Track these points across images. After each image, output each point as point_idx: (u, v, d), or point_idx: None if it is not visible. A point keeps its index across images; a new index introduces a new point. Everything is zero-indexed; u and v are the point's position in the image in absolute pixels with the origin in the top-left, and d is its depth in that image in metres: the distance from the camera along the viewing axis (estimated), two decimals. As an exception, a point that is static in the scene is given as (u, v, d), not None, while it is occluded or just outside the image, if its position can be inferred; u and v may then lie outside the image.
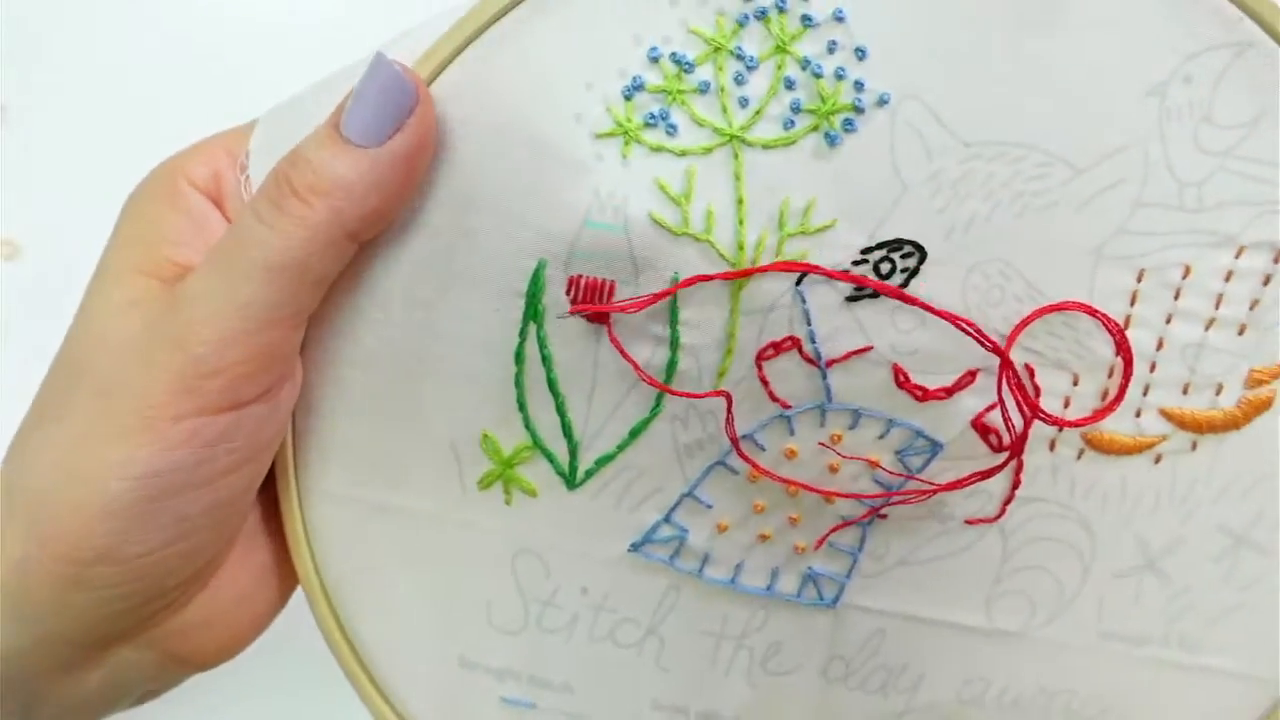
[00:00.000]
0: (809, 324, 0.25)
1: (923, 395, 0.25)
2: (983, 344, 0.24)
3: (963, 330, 0.24)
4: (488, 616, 0.28)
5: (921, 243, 0.24)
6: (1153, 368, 0.25)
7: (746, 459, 0.25)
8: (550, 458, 0.26)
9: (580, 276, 0.24)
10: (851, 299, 0.24)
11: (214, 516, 0.24)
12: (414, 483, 0.27)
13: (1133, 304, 0.25)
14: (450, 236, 0.24)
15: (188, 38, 0.46)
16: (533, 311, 0.25)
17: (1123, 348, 0.23)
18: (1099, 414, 0.24)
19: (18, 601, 0.23)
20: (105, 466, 0.22)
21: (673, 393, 0.24)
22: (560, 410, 0.26)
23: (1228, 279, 0.24)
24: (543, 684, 0.28)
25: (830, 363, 0.25)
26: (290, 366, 0.25)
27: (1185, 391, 0.25)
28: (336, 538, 0.27)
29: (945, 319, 0.24)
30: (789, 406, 0.25)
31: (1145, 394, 0.25)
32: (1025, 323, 0.24)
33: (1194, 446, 0.26)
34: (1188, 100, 0.23)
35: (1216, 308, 0.25)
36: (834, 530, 0.26)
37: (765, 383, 0.25)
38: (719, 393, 0.25)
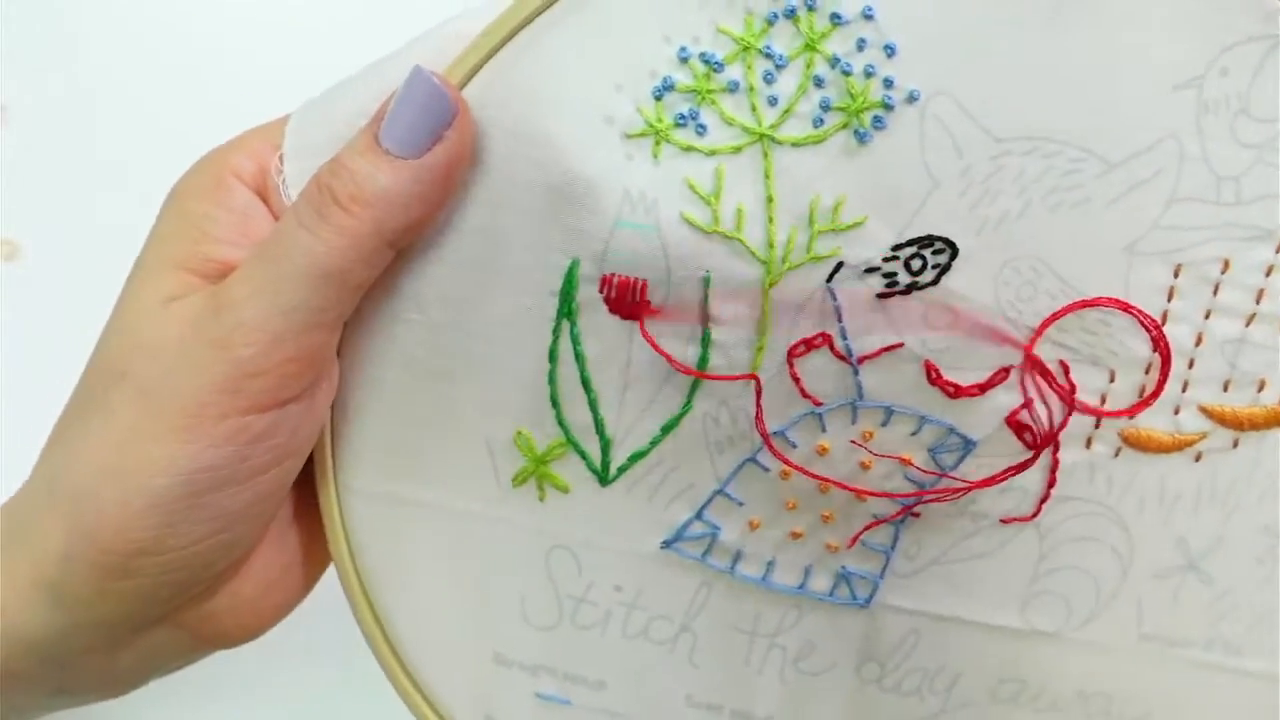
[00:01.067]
0: (840, 320, 0.25)
1: (955, 392, 0.25)
2: (1006, 339, 0.24)
3: (992, 330, 0.24)
4: (522, 612, 0.28)
5: (953, 239, 0.24)
6: (1191, 364, 0.25)
7: (778, 455, 0.25)
8: (583, 455, 0.26)
9: (614, 275, 0.25)
10: (882, 295, 0.24)
11: (253, 510, 0.25)
12: (448, 480, 0.27)
13: (1170, 299, 0.24)
14: (485, 238, 0.25)
15: (188, 38, 0.46)
16: (566, 309, 0.25)
17: (1160, 342, 0.23)
18: (1138, 406, 0.24)
19: (58, 590, 0.23)
20: (151, 463, 0.23)
21: (705, 376, 0.25)
22: (593, 407, 0.26)
23: (1268, 274, 0.24)
24: (577, 680, 0.28)
25: (861, 359, 0.25)
26: (328, 366, 0.25)
27: (1226, 388, 0.25)
28: (372, 534, 0.28)
29: (969, 321, 0.24)
30: (820, 403, 0.25)
31: (1184, 390, 0.25)
32: (1056, 316, 0.24)
33: (1235, 444, 0.25)
34: (1224, 93, 0.23)
35: (1257, 303, 0.24)
36: (867, 529, 0.26)
37: (797, 379, 0.25)
38: (749, 376, 0.25)
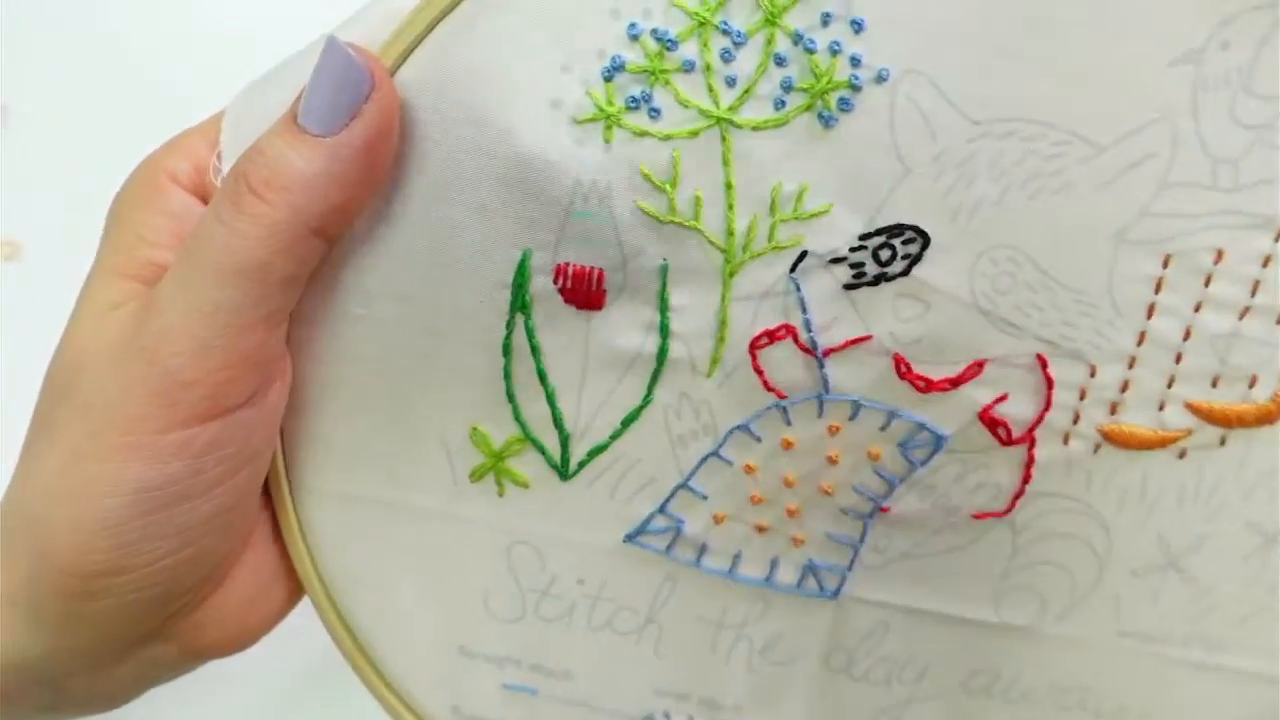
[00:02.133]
0: (804, 311, 0.23)
1: (925, 387, 0.24)
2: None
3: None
4: (485, 607, 0.28)
5: (924, 228, 0.22)
6: (1178, 359, 0.23)
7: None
8: (541, 449, 0.26)
9: (568, 265, 0.23)
10: (849, 286, 0.23)
11: (217, 522, 0.24)
12: (406, 477, 0.27)
13: (1158, 291, 0.23)
14: (430, 229, 0.23)
15: (188, 38, 0.46)
16: (520, 302, 0.24)
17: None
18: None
19: (31, 615, 0.23)
20: (96, 483, 0.22)
21: (779, 394, 0.24)
22: (550, 401, 0.25)
23: (1265, 264, 0.22)
24: (544, 671, 0.28)
25: (827, 352, 0.24)
26: (276, 368, 0.24)
27: (1215, 384, 0.24)
28: (333, 534, 0.27)
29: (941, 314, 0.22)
30: (784, 396, 0.24)
31: (1169, 386, 0.24)
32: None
33: (1222, 441, 0.24)
34: (1224, 68, 0.21)
35: (1252, 295, 0.23)
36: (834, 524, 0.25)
37: (760, 372, 0.24)
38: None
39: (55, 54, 0.45)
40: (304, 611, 0.28)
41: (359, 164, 0.22)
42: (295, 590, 0.28)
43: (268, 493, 0.27)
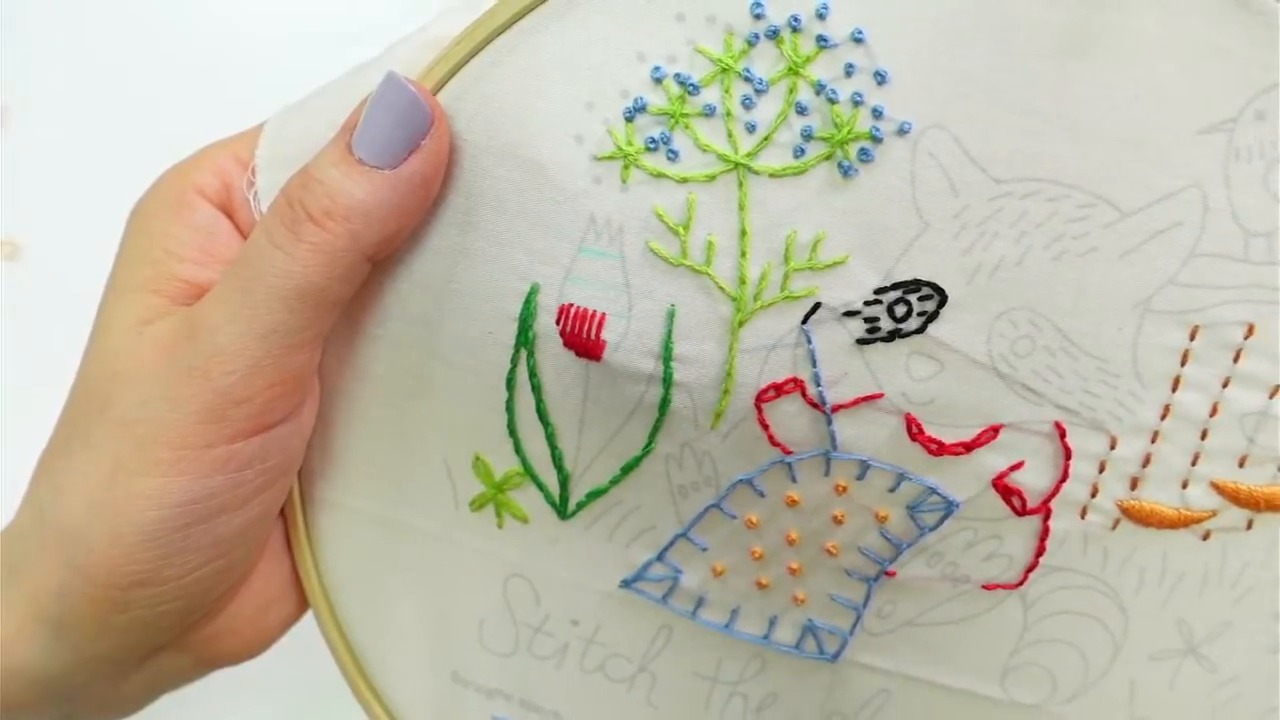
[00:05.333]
0: (814, 365, 0.23)
1: (938, 449, 0.23)
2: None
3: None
4: (479, 636, 0.27)
5: (941, 285, 0.22)
6: (1204, 435, 0.22)
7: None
8: (541, 487, 0.25)
9: (571, 306, 0.23)
10: (862, 341, 0.23)
11: (248, 534, 0.24)
12: (411, 498, 0.26)
13: (1184, 364, 0.22)
14: (449, 256, 0.24)
15: (188, 37, 0.46)
16: (524, 338, 0.24)
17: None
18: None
19: (59, 626, 0.23)
20: (141, 497, 0.22)
21: (784, 450, 0.23)
22: (550, 440, 0.25)
23: (1299, 342, 0.21)
24: (533, 708, 0.28)
25: (836, 408, 0.23)
26: (310, 385, 0.24)
27: (1242, 464, 0.23)
28: (339, 547, 0.27)
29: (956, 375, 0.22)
30: (790, 452, 0.24)
31: (1194, 464, 0.23)
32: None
33: (1249, 525, 0.23)
34: (1259, 139, 0.20)
35: (1285, 374, 0.22)
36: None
37: (765, 426, 0.23)
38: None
39: (55, 54, 0.45)
40: (304, 622, 0.28)
41: (416, 196, 0.22)
42: (305, 598, 0.28)
43: None
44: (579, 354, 0.23)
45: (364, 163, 0.22)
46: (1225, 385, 0.22)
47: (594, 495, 0.25)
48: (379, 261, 0.24)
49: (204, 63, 0.44)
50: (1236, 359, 0.22)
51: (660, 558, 0.25)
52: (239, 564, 0.25)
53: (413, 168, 0.22)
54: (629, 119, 0.22)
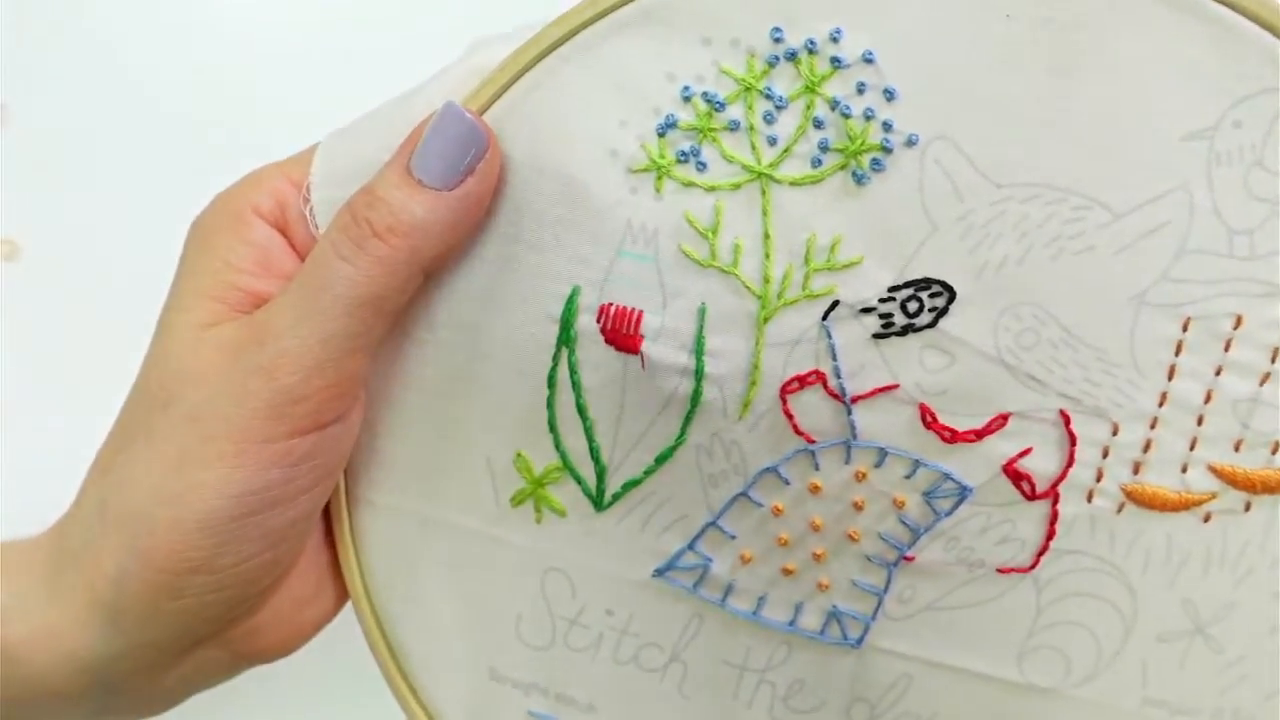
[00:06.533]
0: (834, 359, 0.25)
1: (951, 437, 0.25)
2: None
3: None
4: (517, 631, 0.29)
5: (950, 282, 0.24)
6: (1200, 421, 0.24)
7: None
8: (579, 479, 0.27)
9: (611, 305, 0.25)
10: (878, 335, 0.24)
11: (296, 528, 0.26)
12: (452, 497, 0.28)
13: (1178, 354, 0.24)
14: (495, 265, 0.26)
15: (188, 38, 0.46)
16: (565, 337, 0.26)
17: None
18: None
19: (113, 611, 0.25)
20: (203, 486, 0.24)
21: (808, 438, 0.25)
22: (589, 434, 0.26)
23: (1282, 332, 0.23)
24: (568, 701, 0.29)
25: (855, 399, 0.25)
26: (361, 388, 0.26)
27: (1237, 448, 0.24)
28: (381, 545, 0.29)
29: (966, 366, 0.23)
30: (813, 441, 0.25)
31: (1192, 448, 0.24)
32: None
33: (1247, 507, 0.24)
34: (1238, 145, 0.22)
35: (1272, 361, 0.23)
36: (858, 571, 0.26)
37: (790, 416, 0.25)
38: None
39: (55, 54, 0.46)
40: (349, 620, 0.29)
41: (470, 214, 0.25)
42: (341, 595, 0.29)
43: None
44: (619, 349, 0.25)
45: (422, 184, 0.24)
46: (1218, 373, 0.24)
47: (629, 486, 0.27)
48: (430, 272, 0.26)
49: (203, 64, 0.44)
50: (1227, 348, 0.23)
51: (691, 546, 0.27)
52: (284, 558, 0.26)
53: (468, 189, 0.24)
54: (661, 134, 0.24)
